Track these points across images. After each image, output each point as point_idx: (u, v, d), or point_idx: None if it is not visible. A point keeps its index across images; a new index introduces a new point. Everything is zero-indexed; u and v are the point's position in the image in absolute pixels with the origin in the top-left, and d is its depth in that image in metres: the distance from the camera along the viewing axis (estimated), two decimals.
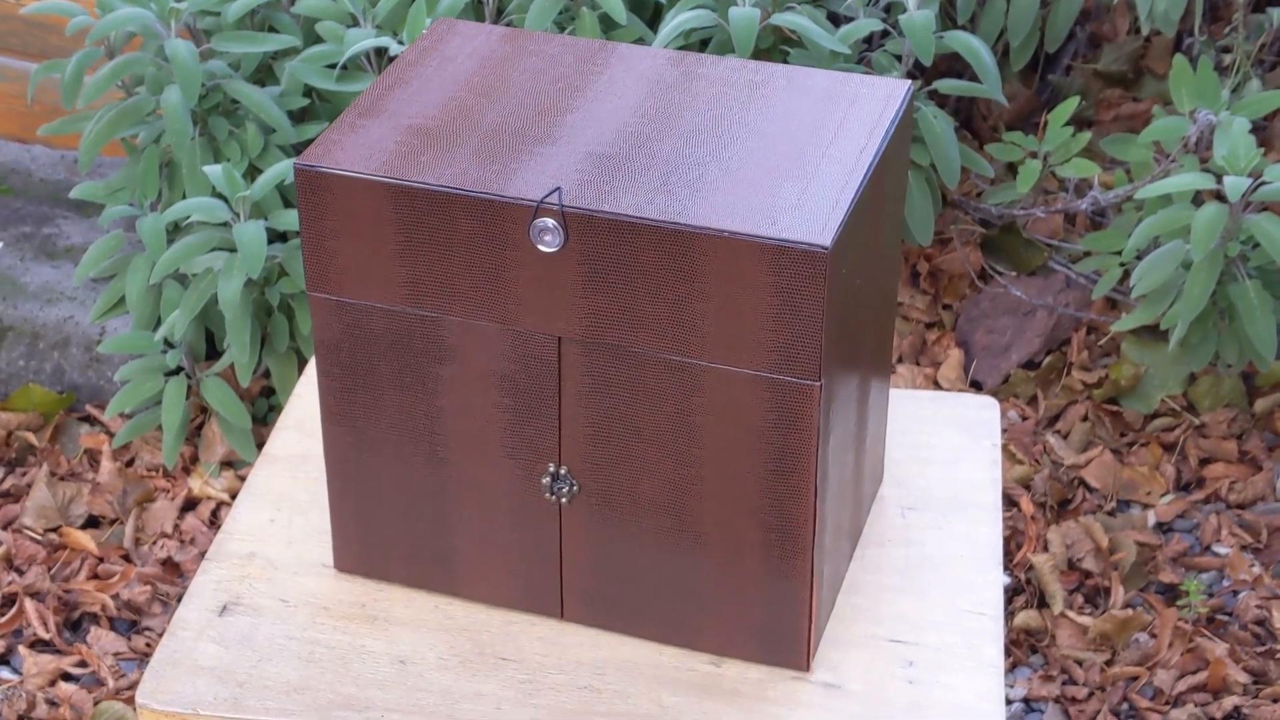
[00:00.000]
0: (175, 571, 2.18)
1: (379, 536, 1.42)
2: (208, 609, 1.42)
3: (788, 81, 1.39)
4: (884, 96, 1.37)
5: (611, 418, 1.31)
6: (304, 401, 1.63)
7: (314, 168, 1.29)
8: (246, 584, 1.44)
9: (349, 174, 1.29)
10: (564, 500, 1.35)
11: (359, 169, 1.29)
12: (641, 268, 1.25)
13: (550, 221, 1.25)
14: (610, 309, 1.27)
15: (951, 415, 1.62)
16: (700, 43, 2.34)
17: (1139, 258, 2.31)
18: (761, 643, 1.36)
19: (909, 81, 1.40)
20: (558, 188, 1.26)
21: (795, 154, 1.30)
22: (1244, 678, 2.03)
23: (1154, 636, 2.09)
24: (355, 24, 2.34)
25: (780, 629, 1.35)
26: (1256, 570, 2.17)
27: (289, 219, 2.22)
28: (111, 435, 2.34)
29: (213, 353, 2.38)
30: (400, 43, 2.26)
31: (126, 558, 2.20)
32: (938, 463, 1.57)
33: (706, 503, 1.32)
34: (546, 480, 1.35)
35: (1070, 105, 2.32)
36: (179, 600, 2.13)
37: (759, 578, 1.33)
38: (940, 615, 1.42)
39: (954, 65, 2.62)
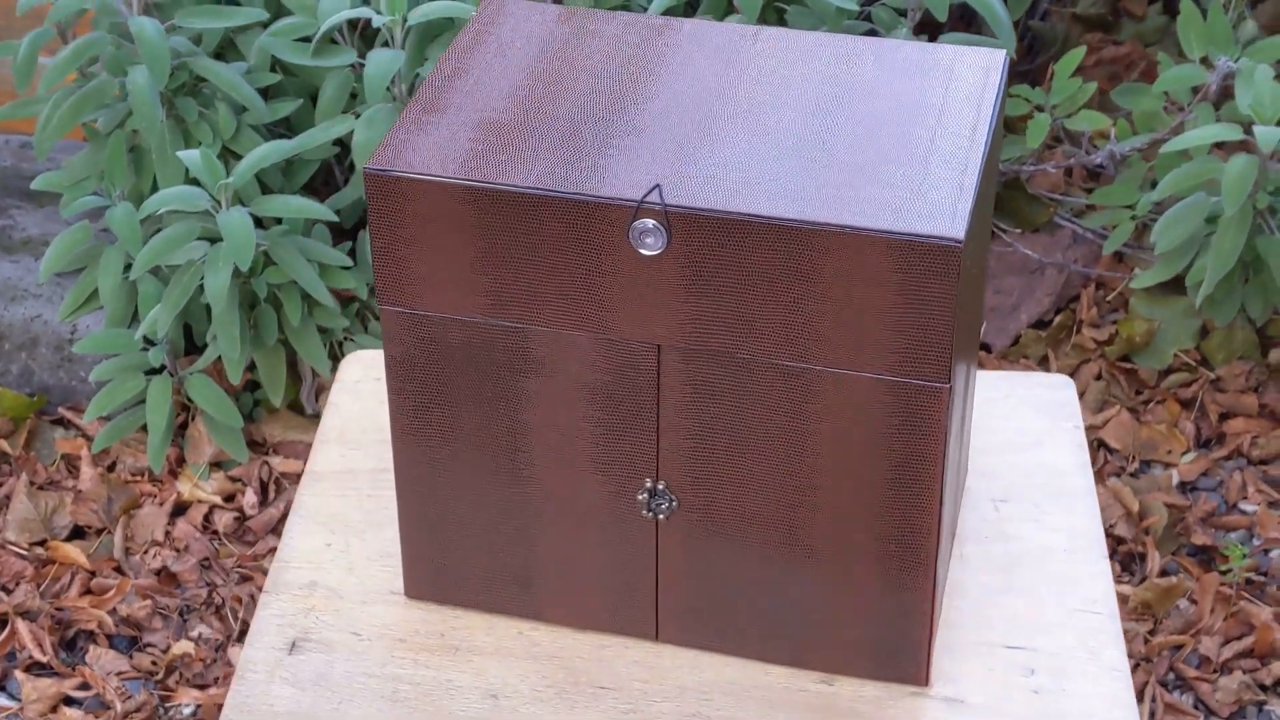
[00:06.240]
0: (173, 582, 2.06)
1: (455, 560, 1.32)
2: (275, 647, 1.32)
3: (875, 56, 1.30)
4: (982, 68, 1.29)
5: (715, 429, 1.22)
6: (341, 411, 1.52)
7: (386, 172, 1.19)
8: (313, 617, 1.34)
9: (424, 177, 1.18)
10: (662, 516, 1.26)
11: (435, 171, 1.18)
12: (751, 268, 1.16)
13: (652, 223, 1.15)
14: (716, 313, 1.18)
15: (1026, 396, 1.54)
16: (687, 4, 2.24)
17: (1153, 212, 2.24)
18: (876, 658, 1.28)
19: (1003, 51, 1.31)
20: (658, 185, 1.16)
21: (902, 135, 1.21)
22: None
23: (1194, 603, 2.03)
24: None
25: (897, 643, 1.27)
26: None
27: (270, 205, 2.10)
28: (89, 439, 2.21)
29: (190, 348, 2.26)
30: (379, 13, 2.14)
31: (119, 570, 2.07)
32: (1020, 449, 1.49)
33: (819, 514, 1.23)
34: (643, 496, 1.26)
35: (1077, 56, 2.25)
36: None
37: (875, 590, 1.25)
38: (1052, 615, 1.34)
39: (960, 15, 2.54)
